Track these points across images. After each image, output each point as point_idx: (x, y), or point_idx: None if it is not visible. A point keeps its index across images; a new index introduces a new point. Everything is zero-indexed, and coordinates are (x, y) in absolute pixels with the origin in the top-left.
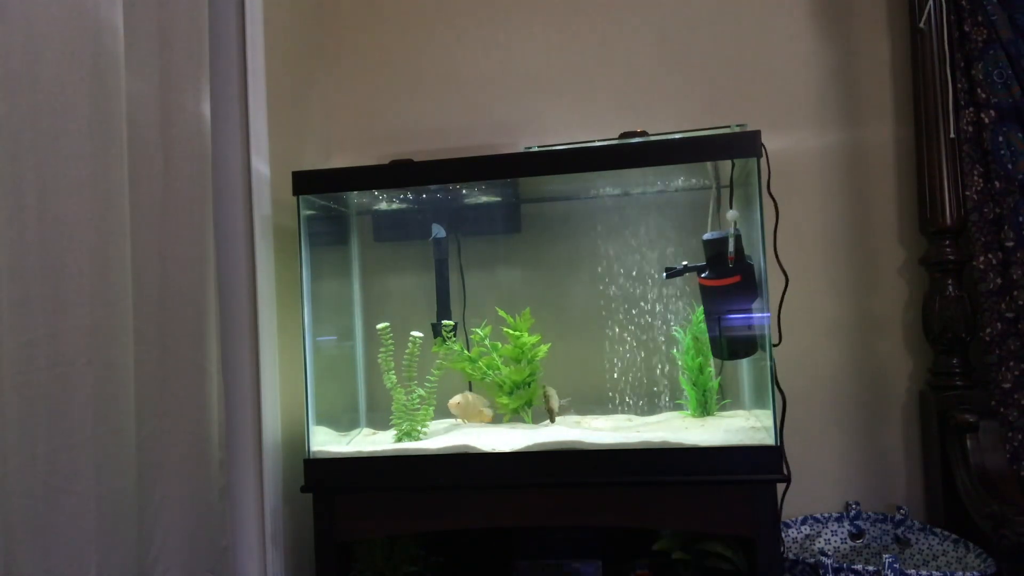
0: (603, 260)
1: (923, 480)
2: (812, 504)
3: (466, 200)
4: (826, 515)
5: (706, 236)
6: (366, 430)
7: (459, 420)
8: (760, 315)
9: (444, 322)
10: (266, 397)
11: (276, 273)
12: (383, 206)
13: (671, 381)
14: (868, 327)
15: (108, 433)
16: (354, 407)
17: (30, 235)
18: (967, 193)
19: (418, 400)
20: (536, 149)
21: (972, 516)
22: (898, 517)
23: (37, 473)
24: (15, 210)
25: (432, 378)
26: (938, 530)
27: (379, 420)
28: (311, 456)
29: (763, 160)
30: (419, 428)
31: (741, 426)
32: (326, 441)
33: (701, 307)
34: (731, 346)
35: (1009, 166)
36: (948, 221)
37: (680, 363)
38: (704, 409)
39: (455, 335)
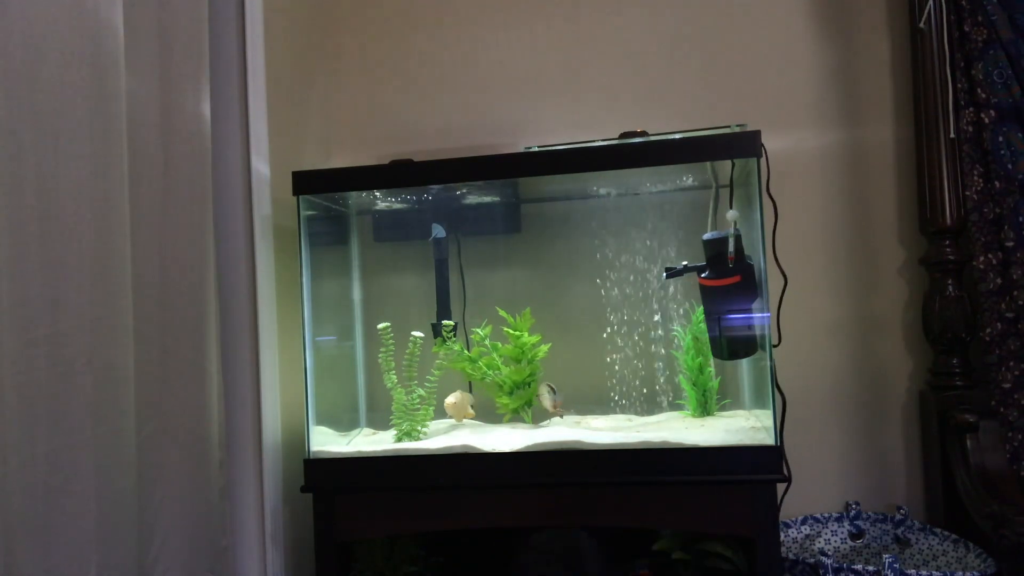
0: (603, 260)
1: (923, 480)
2: (812, 504)
3: (466, 200)
4: (826, 515)
5: (706, 236)
6: (366, 430)
7: (452, 419)
8: (760, 315)
9: (444, 322)
10: (266, 397)
11: (276, 273)
12: (383, 206)
13: (671, 381)
14: (868, 327)
15: (108, 433)
16: (354, 407)
17: (30, 235)
18: (967, 193)
19: (418, 400)
20: (536, 149)
21: (972, 516)
22: (898, 517)
23: (37, 473)
24: (15, 210)
25: (432, 378)
26: (938, 530)
27: (379, 420)
28: (311, 456)
29: (763, 160)
30: (419, 428)
31: (741, 426)
32: (326, 441)
33: (701, 307)
34: (731, 346)
35: (1009, 166)
36: (948, 221)
37: (680, 363)
38: (704, 409)
39: (455, 335)
